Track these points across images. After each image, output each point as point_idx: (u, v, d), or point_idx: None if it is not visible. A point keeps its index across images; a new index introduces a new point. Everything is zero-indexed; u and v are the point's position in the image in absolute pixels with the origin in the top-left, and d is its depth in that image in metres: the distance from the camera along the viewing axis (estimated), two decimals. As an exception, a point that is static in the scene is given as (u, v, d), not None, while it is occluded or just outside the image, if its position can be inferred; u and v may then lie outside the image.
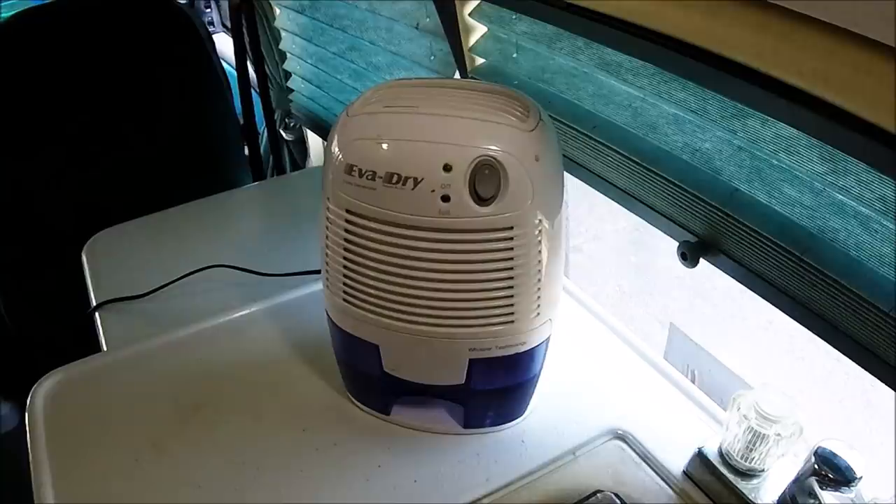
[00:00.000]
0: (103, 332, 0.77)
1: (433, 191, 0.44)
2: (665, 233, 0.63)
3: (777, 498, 0.50)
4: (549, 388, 0.60)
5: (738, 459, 0.52)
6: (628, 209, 0.66)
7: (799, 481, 0.47)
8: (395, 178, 0.45)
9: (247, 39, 1.36)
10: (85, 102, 1.09)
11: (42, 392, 0.64)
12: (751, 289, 0.56)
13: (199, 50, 1.23)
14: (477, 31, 0.77)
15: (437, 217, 0.45)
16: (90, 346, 0.76)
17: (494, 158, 0.44)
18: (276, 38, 1.30)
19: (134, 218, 0.95)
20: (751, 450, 0.51)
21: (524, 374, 0.56)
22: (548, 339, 0.55)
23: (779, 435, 0.49)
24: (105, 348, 0.75)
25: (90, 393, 0.65)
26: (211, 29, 2.02)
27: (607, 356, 0.68)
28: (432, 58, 0.88)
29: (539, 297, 0.50)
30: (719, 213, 0.57)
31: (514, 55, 0.74)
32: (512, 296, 0.49)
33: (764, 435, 0.49)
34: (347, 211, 0.48)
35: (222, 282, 0.81)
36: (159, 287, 0.80)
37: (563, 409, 0.62)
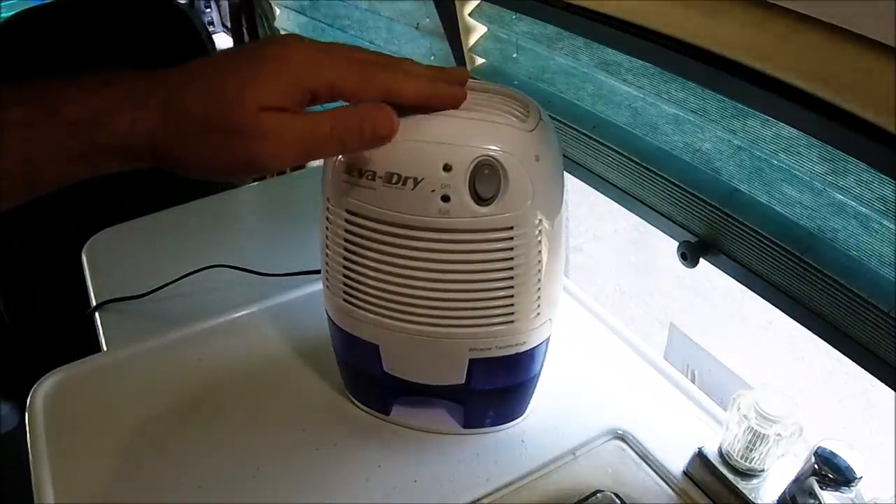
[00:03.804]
0: (103, 332, 0.77)
1: (433, 191, 0.44)
2: (665, 233, 0.63)
3: (777, 498, 0.50)
4: (549, 388, 0.61)
5: (738, 459, 0.52)
6: (628, 209, 0.66)
7: (799, 481, 0.47)
8: (395, 178, 0.45)
9: (247, 39, 1.36)
10: (85, 102, 1.08)
11: (42, 392, 0.64)
12: (751, 289, 0.56)
13: (199, 50, 1.23)
14: (477, 31, 0.77)
15: (437, 217, 0.45)
16: (90, 346, 0.76)
17: (494, 158, 0.44)
18: (276, 38, 1.30)
19: (134, 218, 0.95)
20: (751, 450, 0.51)
21: (524, 374, 0.56)
22: (548, 339, 0.55)
23: (779, 435, 0.49)
24: (105, 348, 0.75)
25: (90, 393, 0.65)
26: (211, 29, 2.02)
27: (607, 356, 0.68)
28: (432, 58, 0.88)
29: (539, 297, 0.50)
30: (719, 213, 0.57)
31: (514, 55, 0.74)
32: (512, 296, 0.49)
33: (764, 435, 0.49)
34: (347, 211, 0.48)
35: (222, 282, 0.81)
36: (159, 287, 0.80)
37: (563, 409, 0.62)
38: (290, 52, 0.37)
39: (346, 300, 0.52)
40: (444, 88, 0.43)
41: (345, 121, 0.37)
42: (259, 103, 0.35)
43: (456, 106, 0.44)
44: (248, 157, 0.36)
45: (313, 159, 0.39)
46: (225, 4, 1.92)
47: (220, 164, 0.36)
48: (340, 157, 0.47)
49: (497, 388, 0.56)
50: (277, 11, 1.26)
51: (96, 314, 0.79)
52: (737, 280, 0.58)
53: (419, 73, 0.42)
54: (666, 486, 0.56)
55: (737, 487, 0.52)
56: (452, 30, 0.77)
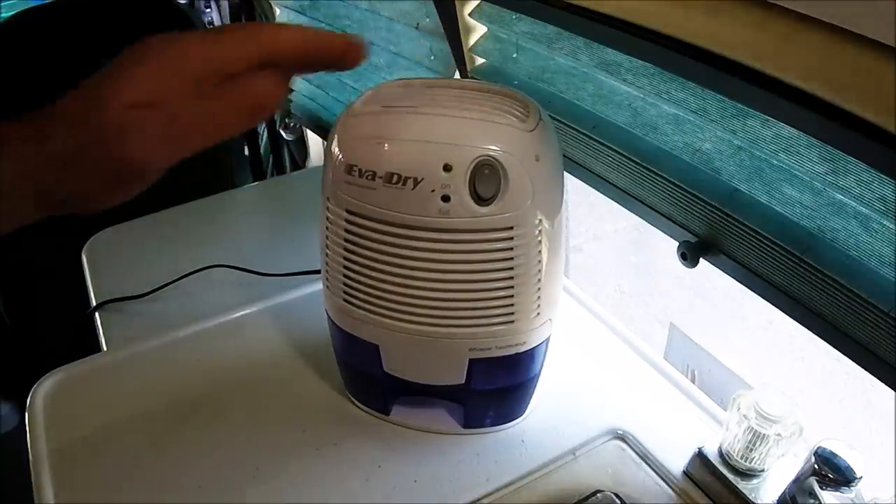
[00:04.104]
0: (103, 332, 0.77)
1: (433, 191, 0.44)
2: (665, 233, 0.63)
3: (777, 498, 0.50)
4: (549, 388, 0.61)
5: (738, 459, 0.52)
6: (628, 209, 0.66)
7: (799, 481, 0.47)
8: (395, 178, 0.45)
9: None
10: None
11: (42, 392, 0.64)
12: (751, 289, 0.56)
13: (199, 50, 1.23)
14: (477, 31, 0.77)
15: (437, 217, 0.45)
16: (90, 346, 0.76)
17: (494, 158, 0.44)
18: (276, 38, 1.30)
19: (134, 218, 0.95)
20: (751, 450, 0.51)
21: (524, 374, 0.56)
22: (548, 339, 0.55)
23: (779, 435, 0.49)
24: (105, 348, 0.75)
25: (90, 393, 0.65)
26: (211, 29, 2.01)
27: (607, 356, 0.68)
28: (432, 58, 0.88)
29: (539, 297, 0.50)
30: (719, 213, 0.57)
31: (514, 55, 0.74)
32: (512, 296, 0.49)
33: (764, 435, 0.49)
34: (347, 211, 0.48)
35: (222, 282, 0.81)
36: (159, 287, 0.80)
37: (563, 409, 0.62)
38: (155, 45, 0.34)
39: (346, 300, 0.52)
40: (331, 35, 0.37)
41: (219, 101, 0.34)
42: (124, 101, 0.33)
43: (354, 62, 0.37)
44: (120, 158, 0.33)
45: (191, 151, 0.36)
46: (225, 4, 1.91)
47: (96, 177, 0.34)
48: (340, 157, 0.47)
49: (497, 388, 0.56)
50: (277, 11, 1.26)
51: (96, 314, 0.79)
52: (737, 280, 0.57)
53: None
54: (666, 486, 0.56)
55: (737, 487, 0.52)
56: (452, 30, 0.77)
